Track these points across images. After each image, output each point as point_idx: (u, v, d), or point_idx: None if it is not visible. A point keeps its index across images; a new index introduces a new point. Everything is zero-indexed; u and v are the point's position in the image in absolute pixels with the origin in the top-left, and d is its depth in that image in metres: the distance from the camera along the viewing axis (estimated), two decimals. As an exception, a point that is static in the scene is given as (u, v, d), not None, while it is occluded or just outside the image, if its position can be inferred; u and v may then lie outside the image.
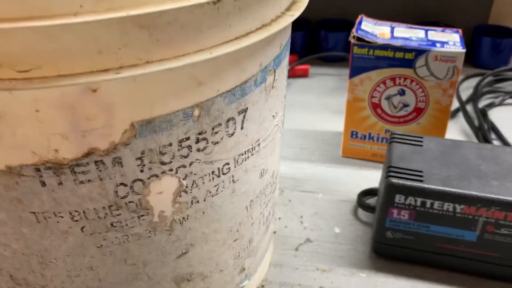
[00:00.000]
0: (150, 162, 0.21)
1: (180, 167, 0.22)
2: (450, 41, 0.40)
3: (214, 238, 0.26)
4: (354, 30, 0.42)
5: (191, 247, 0.25)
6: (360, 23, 0.43)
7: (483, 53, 0.67)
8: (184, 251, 0.25)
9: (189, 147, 0.22)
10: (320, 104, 0.59)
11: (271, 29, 0.22)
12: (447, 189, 0.32)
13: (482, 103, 0.57)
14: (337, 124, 0.54)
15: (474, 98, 0.53)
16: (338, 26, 0.70)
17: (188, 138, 0.21)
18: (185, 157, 0.22)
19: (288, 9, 0.24)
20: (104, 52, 0.17)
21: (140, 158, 0.21)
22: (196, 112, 0.21)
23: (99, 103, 0.18)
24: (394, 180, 0.32)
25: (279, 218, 0.40)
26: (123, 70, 0.17)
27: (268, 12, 0.22)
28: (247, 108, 0.23)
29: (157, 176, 0.21)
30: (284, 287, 0.34)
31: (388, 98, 0.43)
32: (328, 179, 0.45)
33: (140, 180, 0.21)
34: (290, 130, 0.54)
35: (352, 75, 0.43)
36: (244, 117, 0.24)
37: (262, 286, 0.34)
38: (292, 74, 0.66)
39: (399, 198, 0.33)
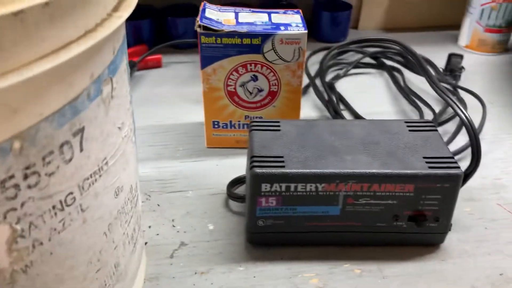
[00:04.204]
0: (-34, 214, 0.17)
1: (8, 211, 0.18)
2: (293, 23, 0.41)
3: (72, 276, 0.23)
4: (198, 18, 0.40)
5: (44, 294, 0.22)
6: (204, 10, 0.42)
7: (323, 27, 0.71)
8: (35, 300, 0.22)
9: (16, 186, 0.18)
10: (177, 94, 0.57)
11: (96, 35, 0.19)
12: (307, 171, 0.32)
13: (329, 76, 0.61)
14: (198, 114, 0.53)
15: (321, 72, 0.56)
16: (185, 11, 0.68)
17: (12, 176, 0.18)
18: (13, 198, 0.18)
19: (115, 9, 0.21)
20: None
21: (-51, 213, 0.16)
22: (17, 145, 0.17)
23: None
24: (258, 170, 0.32)
25: (149, 227, 0.38)
26: None
27: (90, 16, 0.19)
28: (83, 127, 0.20)
29: (-21, 228, 0.18)
30: (163, 301, 0.32)
31: (242, 85, 0.43)
32: (196, 174, 0.44)
33: (-44, 238, 0.17)
34: (149, 127, 0.51)
35: (204, 65, 0.41)
36: (81, 137, 0.20)
37: (140, 305, 0.32)
38: (144, 66, 0.62)
39: (265, 187, 0.33)
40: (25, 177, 0.18)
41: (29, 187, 0.19)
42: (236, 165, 0.45)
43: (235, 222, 0.38)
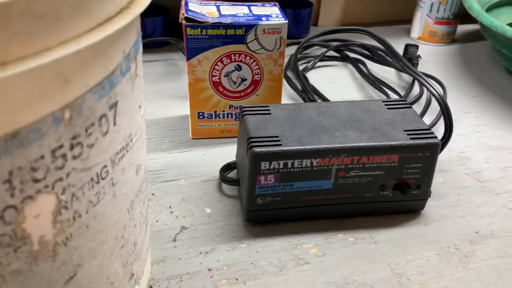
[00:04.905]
0: (21, 183, 0.18)
1: (56, 181, 0.19)
2: (273, 14, 0.44)
3: (102, 251, 0.24)
4: (183, 11, 0.41)
5: (79, 267, 0.23)
6: (186, 4, 0.43)
7: (288, 24, 0.74)
8: (72, 274, 0.22)
9: (64, 156, 0.19)
10: (154, 91, 0.57)
11: (131, 12, 0.20)
12: (303, 147, 0.35)
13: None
14: (177, 108, 0.54)
15: (294, 64, 0.58)
16: (153, 11, 0.69)
17: (61, 146, 0.19)
18: (61, 168, 0.19)
19: (139, -10, 0.23)
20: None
21: (8, 181, 0.17)
22: (67, 115, 0.18)
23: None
24: (258, 149, 0.34)
25: (148, 214, 0.39)
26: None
27: (123, -6, 0.20)
28: (117, 101, 0.21)
29: (31, 197, 0.18)
30: (173, 281, 0.33)
31: (227, 75, 0.44)
32: (185, 164, 0.45)
33: (12, 206, 0.18)
34: (131, 123, 0.51)
35: (190, 57, 0.43)
36: (115, 111, 0.22)
37: (151, 286, 0.33)
38: (115, 65, 0.62)
39: (264, 165, 0.35)
40: (72, 147, 0.19)
41: (74, 157, 0.19)
42: (223, 153, 0.47)
43: (231, 205, 0.40)
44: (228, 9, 0.44)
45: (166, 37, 0.66)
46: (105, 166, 0.22)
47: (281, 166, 0.35)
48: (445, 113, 0.38)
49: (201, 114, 0.46)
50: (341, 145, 0.35)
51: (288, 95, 0.58)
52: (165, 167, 0.44)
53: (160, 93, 0.57)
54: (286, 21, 0.42)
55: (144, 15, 0.66)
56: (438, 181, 0.44)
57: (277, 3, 0.46)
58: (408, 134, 0.36)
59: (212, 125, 0.47)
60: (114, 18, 0.19)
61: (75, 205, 0.21)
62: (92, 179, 0.21)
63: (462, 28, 0.81)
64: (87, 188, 0.21)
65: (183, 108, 0.54)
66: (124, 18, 0.19)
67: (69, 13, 0.17)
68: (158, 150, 0.47)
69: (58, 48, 0.16)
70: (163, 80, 0.60)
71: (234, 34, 0.42)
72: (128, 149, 0.24)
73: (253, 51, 0.43)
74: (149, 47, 0.68)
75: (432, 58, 0.70)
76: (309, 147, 0.35)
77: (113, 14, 0.19)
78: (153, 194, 0.41)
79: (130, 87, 0.23)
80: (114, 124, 0.22)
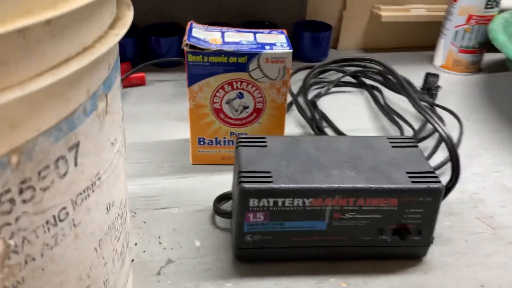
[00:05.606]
0: (-40, 229, 0.17)
1: (3, 226, 0.18)
2: (278, 42, 0.42)
3: (62, 293, 0.23)
4: (185, 37, 0.41)
5: (33, 311, 0.22)
6: (190, 30, 0.43)
7: (305, 47, 0.72)
8: (25, 318, 0.21)
9: (12, 200, 0.18)
10: (160, 112, 0.57)
11: (94, 52, 0.19)
12: (295, 186, 0.33)
13: (311, 94, 0.62)
14: (182, 131, 0.53)
15: (304, 90, 0.57)
16: (168, 31, 0.69)
17: (8, 191, 0.18)
18: (8, 213, 0.18)
19: (111, 26, 0.22)
20: None
21: None
22: (14, 159, 0.17)
23: None
24: (246, 186, 0.33)
25: (135, 244, 0.38)
26: None
27: (88, 33, 0.19)
28: (78, 142, 0.21)
29: (-27, 243, 0.17)
30: (151, 318, 0.32)
31: (228, 102, 0.43)
32: (181, 190, 0.44)
33: (-50, 253, 0.17)
34: (132, 144, 0.51)
35: (191, 83, 0.42)
36: (76, 152, 0.21)
37: (127, 323, 0.31)
38: (128, 84, 0.62)
39: (253, 202, 0.33)
40: (21, 191, 0.18)
41: (24, 201, 0.19)
42: (222, 181, 0.45)
43: (222, 238, 0.39)
44: (232, 36, 0.43)
45: (181, 57, 0.66)
46: (64, 208, 0.21)
47: (271, 204, 0.33)
48: (453, 157, 0.36)
49: (201, 140, 0.45)
50: (335, 186, 0.33)
51: (298, 123, 0.56)
52: (160, 193, 0.43)
53: (166, 115, 0.56)
54: (291, 51, 0.41)
55: (159, 34, 0.66)
56: (445, 224, 0.41)
57: (284, 31, 0.45)
58: (410, 177, 0.34)
59: (212, 151, 0.46)
60: (72, 60, 0.18)
61: (27, 248, 0.20)
62: (47, 222, 0.20)
63: (490, 57, 0.77)
64: (41, 231, 0.20)
65: (188, 131, 0.53)
66: (84, 59, 0.19)
67: (15, 58, 0.16)
68: (156, 175, 0.46)
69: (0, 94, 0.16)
70: (171, 102, 0.59)
71: (236, 62, 0.41)
72: (94, 188, 0.23)
73: (256, 80, 0.42)
74: (162, 66, 0.68)
75: (455, 88, 0.67)
76: (301, 185, 0.33)
77: (73, 55, 0.19)
78: (144, 222, 0.40)
79: (97, 125, 0.22)
80: (76, 165, 0.21)
